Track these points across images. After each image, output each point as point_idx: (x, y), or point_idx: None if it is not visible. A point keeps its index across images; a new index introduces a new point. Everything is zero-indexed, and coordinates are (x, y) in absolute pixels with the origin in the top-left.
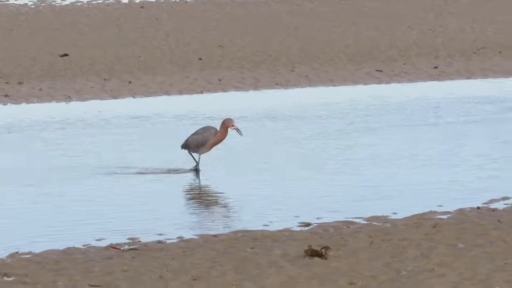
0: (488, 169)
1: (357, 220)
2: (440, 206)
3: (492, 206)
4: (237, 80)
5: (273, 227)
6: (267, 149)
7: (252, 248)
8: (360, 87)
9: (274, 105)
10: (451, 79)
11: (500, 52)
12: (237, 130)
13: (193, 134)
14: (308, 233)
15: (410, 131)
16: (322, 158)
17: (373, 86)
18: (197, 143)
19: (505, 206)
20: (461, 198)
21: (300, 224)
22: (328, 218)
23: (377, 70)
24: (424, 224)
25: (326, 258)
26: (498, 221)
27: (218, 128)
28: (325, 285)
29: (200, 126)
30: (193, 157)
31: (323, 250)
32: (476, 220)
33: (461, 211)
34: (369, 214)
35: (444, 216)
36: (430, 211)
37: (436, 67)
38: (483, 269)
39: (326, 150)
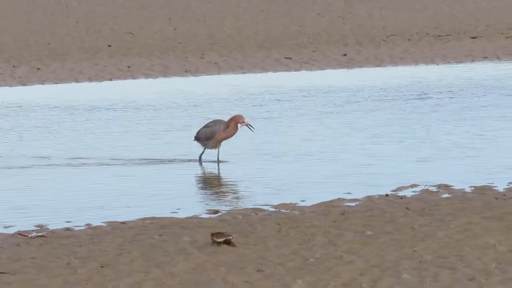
0: (396, 157)
1: (266, 208)
2: (348, 193)
3: (401, 193)
4: (147, 67)
5: (181, 214)
6: (174, 137)
7: (160, 235)
8: (269, 74)
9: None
10: (360, 66)
11: (409, 39)
12: (248, 125)
13: (204, 127)
14: (217, 220)
15: (319, 119)
16: (226, 147)
17: (282, 73)
18: (206, 136)
19: (413, 193)
20: (370, 185)
21: (208, 211)
22: (237, 205)
23: (286, 58)
24: (332, 211)
25: (233, 245)
26: (406, 208)
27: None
28: (233, 272)
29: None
30: (217, 156)
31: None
32: (384, 207)
33: (369, 198)
34: (277, 202)
35: (352, 204)
36: (338, 199)
37: (345, 55)
38: (391, 256)
39: (230, 140)
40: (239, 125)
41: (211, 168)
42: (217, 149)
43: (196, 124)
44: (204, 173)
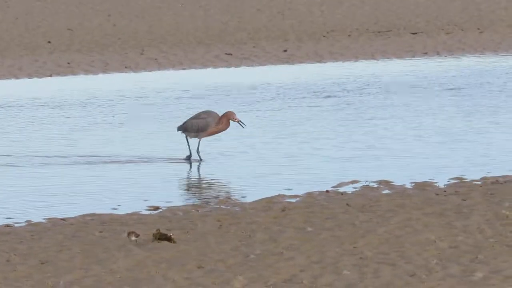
0: (337, 153)
1: (206, 204)
2: (289, 189)
3: (341, 189)
4: (87, 63)
5: (121, 211)
6: (112, 133)
7: (101, 232)
8: (209, 70)
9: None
10: (301, 62)
11: (349, 35)
12: (239, 122)
13: (193, 118)
14: (157, 217)
15: (257, 115)
16: (164, 143)
17: (222, 69)
18: (198, 128)
19: (354, 189)
20: (310, 181)
21: (148, 208)
22: (177, 201)
23: (226, 54)
24: (273, 207)
25: (174, 242)
26: (347, 204)
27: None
28: (174, 268)
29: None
30: (188, 145)
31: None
32: (325, 203)
33: (310, 194)
34: (218, 198)
35: (293, 200)
36: (279, 195)
37: (285, 50)
38: (331, 253)
39: (165, 133)
40: (231, 121)
41: (151, 165)
42: (199, 140)
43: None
44: (145, 170)
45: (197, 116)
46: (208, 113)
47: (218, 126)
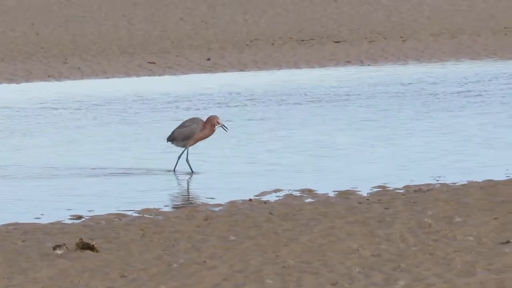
0: (260, 162)
1: (129, 213)
2: (212, 198)
3: (264, 198)
4: (9, 72)
5: (44, 220)
6: (33, 144)
7: (23, 241)
8: (133, 79)
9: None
10: (224, 71)
11: (272, 44)
12: (223, 126)
13: (179, 127)
14: (80, 226)
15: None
16: (85, 153)
17: (145, 78)
18: (184, 136)
19: (277, 198)
20: (233, 190)
21: (72, 217)
22: (100, 210)
23: (149, 62)
24: (196, 216)
25: (97, 251)
26: (270, 213)
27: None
28: (97, 278)
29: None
30: (178, 156)
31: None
32: (248, 212)
33: (233, 203)
34: (141, 207)
35: (216, 209)
36: (202, 204)
37: (208, 59)
38: (254, 261)
39: (81, 143)
40: (216, 126)
41: (73, 174)
42: (187, 148)
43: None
44: (67, 179)
45: (182, 125)
46: (192, 120)
47: (203, 132)
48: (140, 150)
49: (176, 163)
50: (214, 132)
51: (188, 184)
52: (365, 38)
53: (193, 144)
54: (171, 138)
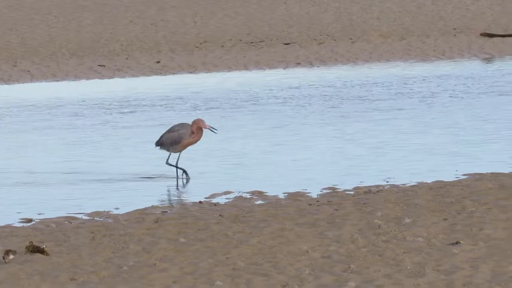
0: (210, 164)
1: (79, 216)
2: (162, 201)
3: (214, 200)
4: None
5: None
6: None
7: None
8: (82, 82)
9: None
10: (174, 73)
11: (222, 46)
12: (211, 128)
13: (168, 132)
14: (30, 229)
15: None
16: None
17: (95, 81)
18: (172, 141)
19: (227, 200)
20: (183, 192)
21: (21, 220)
22: (50, 213)
23: (99, 65)
24: (146, 219)
25: (47, 254)
26: (220, 215)
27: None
28: (47, 281)
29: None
30: (173, 163)
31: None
32: (198, 214)
33: (183, 205)
34: (91, 210)
35: (166, 211)
36: (152, 206)
37: (158, 62)
38: (204, 264)
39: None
40: (203, 129)
41: (23, 177)
42: (179, 153)
43: None
44: (16, 182)
45: (170, 130)
46: (181, 125)
47: (192, 137)
48: (90, 153)
49: (176, 170)
50: (202, 136)
51: (137, 187)
52: (315, 39)
53: (182, 150)
54: (159, 143)
